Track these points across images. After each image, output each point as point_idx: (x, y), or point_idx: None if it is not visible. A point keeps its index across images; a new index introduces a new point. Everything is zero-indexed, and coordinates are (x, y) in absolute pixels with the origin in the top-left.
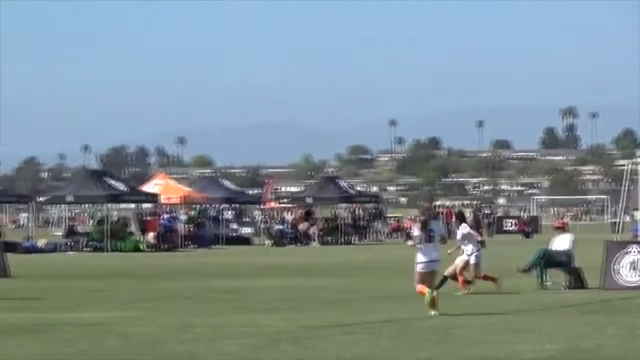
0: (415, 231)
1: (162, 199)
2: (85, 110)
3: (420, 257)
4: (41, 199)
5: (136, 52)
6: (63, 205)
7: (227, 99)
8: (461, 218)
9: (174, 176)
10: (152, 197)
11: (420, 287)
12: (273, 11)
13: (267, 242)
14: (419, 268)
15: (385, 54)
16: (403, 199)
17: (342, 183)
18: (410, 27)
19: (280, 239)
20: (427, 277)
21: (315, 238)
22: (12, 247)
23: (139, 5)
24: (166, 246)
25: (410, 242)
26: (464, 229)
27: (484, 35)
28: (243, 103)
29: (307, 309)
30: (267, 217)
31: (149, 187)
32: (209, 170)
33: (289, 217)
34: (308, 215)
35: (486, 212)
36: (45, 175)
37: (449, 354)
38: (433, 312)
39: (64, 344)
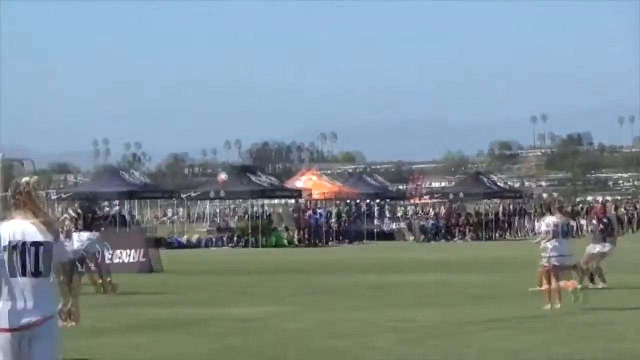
0: (544, 226)
1: (315, 195)
2: (231, 107)
3: (546, 252)
4: (189, 194)
5: (301, 50)
6: (210, 201)
7: (372, 95)
8: (548, 210)
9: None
10: (298, 193)
11: (544, 289)
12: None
13: (414, 237)
14: (543, 262)
15: (523, 52)
16: (545, 195)
17: (488, 178)
18: (548, 26)
19: (427, 234)
20: (551, 273)
21: (465, 233)
22: (158, 242)
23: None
24: (314, 241)
25: (538, 238)
26: (546, 222)
27: (617, 33)
28: (389, 100)
29: (455, 305)
30: (414, 212)
31: (299, 183)
32: (353, 166)
33: (435, 212)
34: (455, 211)
35: (638, 207)
36: (190, 171)
37: (596, 350)
38: (548, 306)
39: (215, 339)
